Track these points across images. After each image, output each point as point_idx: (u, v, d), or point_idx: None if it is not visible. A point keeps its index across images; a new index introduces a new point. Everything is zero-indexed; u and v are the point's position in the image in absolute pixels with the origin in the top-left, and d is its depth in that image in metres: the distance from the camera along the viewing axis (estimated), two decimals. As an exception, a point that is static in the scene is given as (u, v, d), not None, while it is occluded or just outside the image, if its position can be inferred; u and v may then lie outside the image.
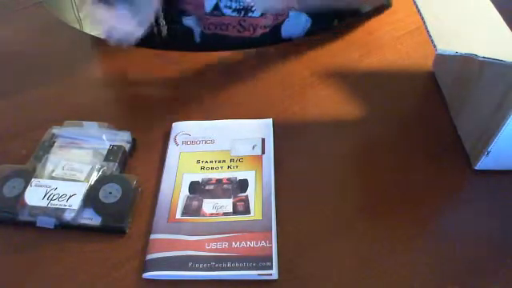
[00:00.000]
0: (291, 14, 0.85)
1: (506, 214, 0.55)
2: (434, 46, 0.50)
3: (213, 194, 0.55)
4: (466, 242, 0.50)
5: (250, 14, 0.83)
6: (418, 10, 0.56)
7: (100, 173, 0.55)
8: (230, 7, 0.82)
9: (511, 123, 0.52)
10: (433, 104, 0.67)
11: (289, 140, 0.62)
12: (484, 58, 0.49)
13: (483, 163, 0.57)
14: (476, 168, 0.57)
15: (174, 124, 0.63)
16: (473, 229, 0.53)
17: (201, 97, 0.66)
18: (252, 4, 0.78)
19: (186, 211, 0.53)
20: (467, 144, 0.60)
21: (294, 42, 0.83)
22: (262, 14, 0.83)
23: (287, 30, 0.84)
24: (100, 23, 0.70)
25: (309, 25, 0.85)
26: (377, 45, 0.75)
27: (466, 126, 0.57)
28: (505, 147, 0.54)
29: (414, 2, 0.57)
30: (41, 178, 0.54)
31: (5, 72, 0.73)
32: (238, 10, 0.82)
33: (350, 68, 0.74)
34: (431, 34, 0.51)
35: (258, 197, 0.54)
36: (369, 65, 0.74)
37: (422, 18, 0.54)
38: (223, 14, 0.83)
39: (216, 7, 0.82)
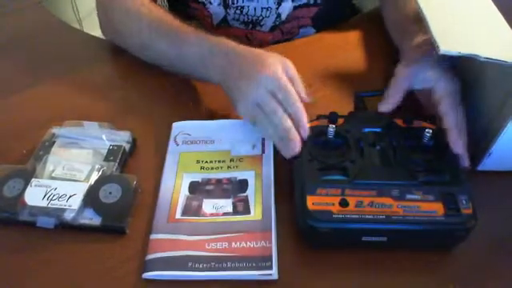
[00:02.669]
0: (302, 30, 0.84)
1: (507, 215, 0.55)
2: (437, 46, 0.49)
3: (213, 194, 0.55)
4: (466, 241, 0.49)
5: (258, 28, 0.82)
6: (421, 11, 0.56)
7: (100, 173, 0.55)
8: (237, 20, 0.81)
9: (513, 124, 0.51)
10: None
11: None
12: (486, 58, 0.48)
13: (485, 164, 0.57)
14: (478, 169, 0.57)
15: (174, 124, 0.62)
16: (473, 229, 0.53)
17: (201, 97, 0.66)
18: (261, 18, 0.77)
19: (186, 211, 0.53)
20: (469, 145, 0.59)
21: (294, 42, 0.83)
22: (271, 29, 0.82)
23: None
24: None
25: None
26: (376, 45, 0.75)
27: (468, 127, 0.57)
28: (507, 148, 0.54)
29: (417, 3, 0.57)
30: (41, 178, 0.54)
31: (5, 72, 0.73)
32: (246, 23, 0.81)
33: (350, 68, 0.74)
34: (434, 34, 0.51)
35: (258, 197, 0.54)
36: (369, 65, 0.74)
37: (425, 19, 0.54)
38: (230, 27, 0.82)
39: (224, 20, 0.81)
